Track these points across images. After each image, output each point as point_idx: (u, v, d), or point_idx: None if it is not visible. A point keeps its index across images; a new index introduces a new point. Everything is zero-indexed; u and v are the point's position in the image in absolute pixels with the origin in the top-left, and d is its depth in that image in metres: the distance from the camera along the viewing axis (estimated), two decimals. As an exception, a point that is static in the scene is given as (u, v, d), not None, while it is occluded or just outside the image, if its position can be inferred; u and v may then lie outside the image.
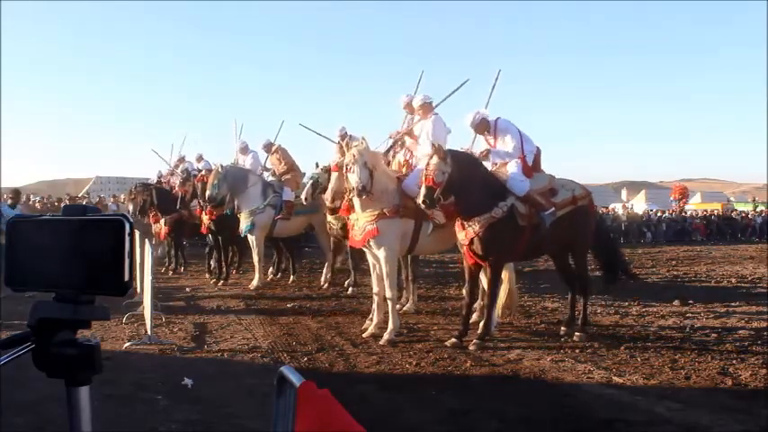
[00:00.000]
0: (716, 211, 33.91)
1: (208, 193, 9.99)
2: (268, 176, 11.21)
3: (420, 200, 6.05)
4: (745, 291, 10.58)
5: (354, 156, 6.39)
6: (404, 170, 7.41)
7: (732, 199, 56.83)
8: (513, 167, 6.48)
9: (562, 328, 6.83)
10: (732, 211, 35.15)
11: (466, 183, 6.08)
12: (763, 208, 37.12)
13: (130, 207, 13.73)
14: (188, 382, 4.85)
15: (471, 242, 6.17)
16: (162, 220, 12.58)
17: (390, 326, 6.51)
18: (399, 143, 7.70)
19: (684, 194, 48.56)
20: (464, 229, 6.21)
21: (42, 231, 1.00)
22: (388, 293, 6.60)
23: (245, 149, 11.75)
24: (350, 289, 9.92)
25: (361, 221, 6.66)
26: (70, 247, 0.96)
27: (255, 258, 10.42)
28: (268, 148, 11.09)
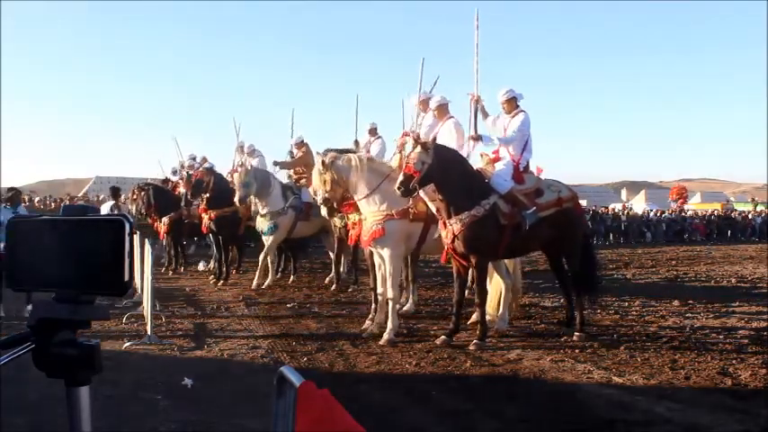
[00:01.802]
0: (716, 211, 33.93)
1: (239, 194, 10.02)
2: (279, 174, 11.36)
3: (396, 186, 6.08)
4: (745, 291, 10.58)
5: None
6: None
7: (732, 199, 56.86)
8: (500, 165, 6.47)
9: (562, 329, 6.82)
10: (732, 211, 35.17)
11: (447, 177, 6.08)
12: (762, 208, 37.12)
13: (133, 208, 13.78)
14: (188, 382, 4.85)
15: (453, 240, 6.16)
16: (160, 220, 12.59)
17: (390, 326, 6.52)
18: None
19: (682, 195, 48.49)
20: (446, 227, 6.22)
21: (42, 231, 1.00)
22: (390, 293, 6.62)
23: (252, 152, 11.87)
24: (333, 286, 10.29)
25: (369, 221, 6.70)
26: (70, 247, 0.96)
27: (269, 258, 10.55)
28: (299, 145, 11.25)
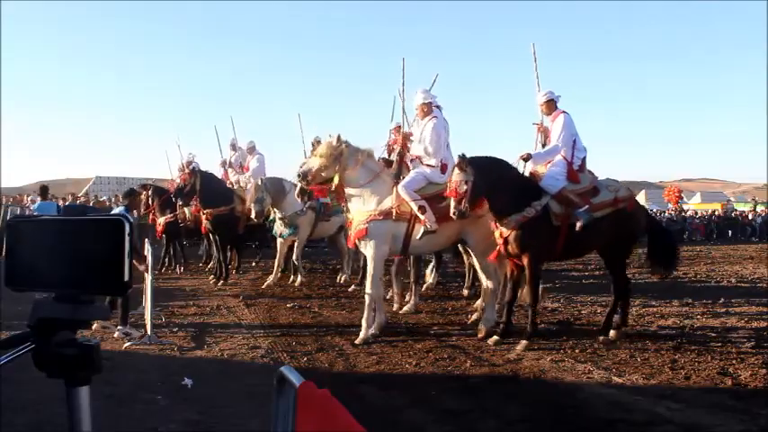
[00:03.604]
0: (716, 211, 33.92)
1: (255, 209, 10.16)
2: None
3: (450, 212, 6.13)
4: (745, 291, 10.57)
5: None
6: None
7: (732, 199, 56.73)
8: (552, 166, 6.44)
9: (600, 337, 6.51)
10: (732, 212, 35.16)
11: (494, 185, 6.14)
12: (763, 208, 37.10)
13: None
14: (188, 382, 4.85)
15: (506, 242, 6.22)
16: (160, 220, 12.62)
17: (364, 324, 6.53)
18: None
19: (671, 197, 47.93)
20: (498, 228, 6.28)
21: (42, 231, 1.00)
22: (368, 290, 6.61)
23: (252, 149, 11.94)
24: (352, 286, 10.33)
25: (355, 221, 6.73)
26: (70, 247, 0.96)
27: (294, 257, 10.80)
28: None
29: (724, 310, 8.42)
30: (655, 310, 8.42)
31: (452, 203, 6.09)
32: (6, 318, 6.34)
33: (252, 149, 12.10)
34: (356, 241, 6.77)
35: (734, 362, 5.65)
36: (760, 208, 36.81)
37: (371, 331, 6.69)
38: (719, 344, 6.38)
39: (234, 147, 12.94)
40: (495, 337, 6.32)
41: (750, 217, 32.09)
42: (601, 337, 6.45)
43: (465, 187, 5.99)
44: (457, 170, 6.08)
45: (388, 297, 8.42)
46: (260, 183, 10.36)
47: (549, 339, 6.59)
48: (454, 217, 6.16)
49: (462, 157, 6.10)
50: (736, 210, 37.24)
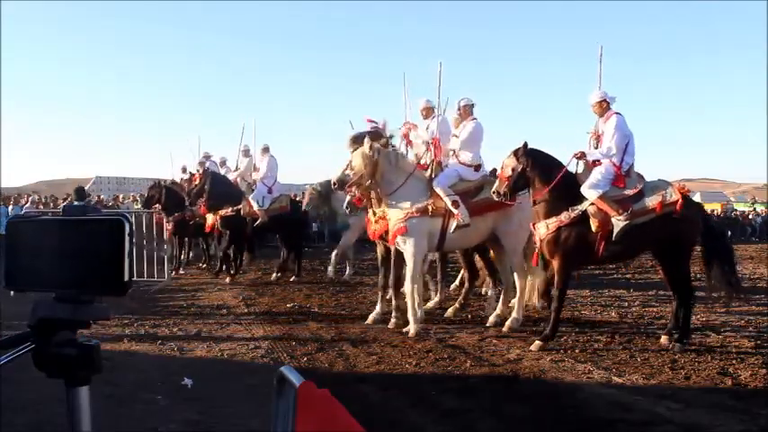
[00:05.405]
0: (716, 211, 33.90)
1: (310, 213, 10.88)
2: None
3: (492, 191, 6.35)
4: (745, 291, 10.54)
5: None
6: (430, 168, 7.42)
7: (732, 199, 56.68)
8: (597, 171, 6.30)
9: (663, 336, 6.44)
10: (732, 212, 35.14)
11: (538, 182, 6.18)
12: (762, 207, 37.09)
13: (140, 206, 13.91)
14: (188, 382, 4.85)
15: (542, 244, 6.24)
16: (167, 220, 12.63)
17: (411, 318, 6.78)
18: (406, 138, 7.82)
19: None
20: (535, 230, 6.32)
21: (42, 231, 1.00)
22: (408, 287, 6.83)
23: (265, 150, 11.94)
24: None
25: (392, 220, 6.85)
26: (70, 247, 0.96)
27: (334, 253, 11.18)
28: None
29: (724, 309, 8.42)
30: (655, 310, 8.42)
31: (496, 183, 6.32)
32: (6, 318, 6.34)
33: (265, 151, 12.04)
34: (396, 239, 6.88)
35: (734, 362, 5.65)
36: (760, 208, 36.81)
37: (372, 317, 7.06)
38: (719, 344, 6.38)
39: (246, 153, 12.79)
40: (538, 343, 6.16)
41: (750, 217, 32.08)
42: (674, 342, 6.18)
43: (509, 173, 6.18)
44: (511, 155, 6.21)
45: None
46: (314, 191, 10.95)
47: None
48: (495, 197, 6.33)
49: (522, 145, 6.23)
50: (735, 210, 37.19)
